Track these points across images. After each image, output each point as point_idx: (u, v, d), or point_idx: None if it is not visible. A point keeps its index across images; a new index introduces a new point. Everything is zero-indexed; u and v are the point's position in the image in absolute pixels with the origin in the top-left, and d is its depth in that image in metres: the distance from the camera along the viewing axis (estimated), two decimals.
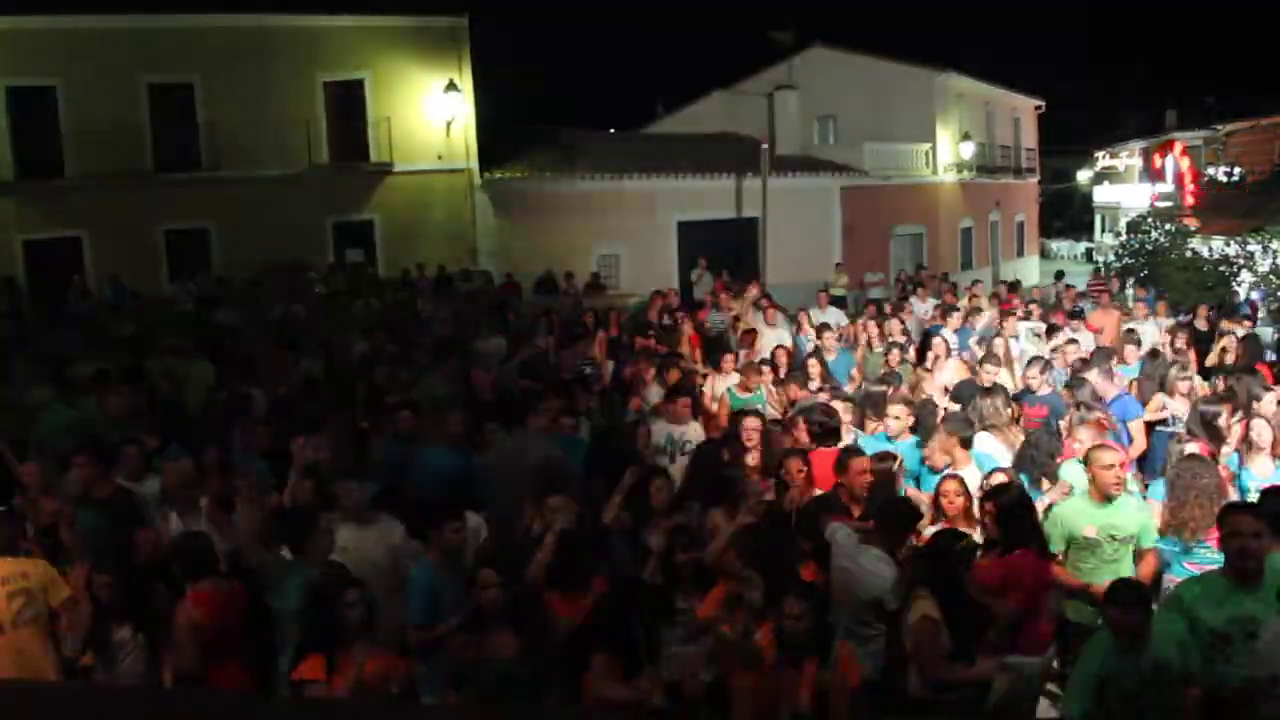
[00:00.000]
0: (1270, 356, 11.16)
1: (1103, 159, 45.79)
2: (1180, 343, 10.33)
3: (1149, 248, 20.80)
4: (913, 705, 4.67)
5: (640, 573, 5.43)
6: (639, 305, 14.95)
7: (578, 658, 4.55)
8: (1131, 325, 11.26)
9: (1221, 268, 18.60)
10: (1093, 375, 8.24)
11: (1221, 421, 6.95)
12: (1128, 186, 40.52)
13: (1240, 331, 10.98)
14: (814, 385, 8.97)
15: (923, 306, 13.93)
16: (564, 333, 12.00)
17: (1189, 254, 19.61)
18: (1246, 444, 6.53)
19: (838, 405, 7.49)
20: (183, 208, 18.54)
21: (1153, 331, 11.26)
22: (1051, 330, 11.03)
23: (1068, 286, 15.55)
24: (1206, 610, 4.46)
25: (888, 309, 13.01)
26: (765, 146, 22.29)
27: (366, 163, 19.93)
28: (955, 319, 11.77)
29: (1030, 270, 32.90)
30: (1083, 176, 49.30)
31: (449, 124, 20.30)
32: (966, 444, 6.61)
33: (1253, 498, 5.77)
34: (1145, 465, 7.91)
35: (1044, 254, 41.24)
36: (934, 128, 26.92)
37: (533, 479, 6.25)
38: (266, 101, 18.86)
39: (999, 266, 30.29)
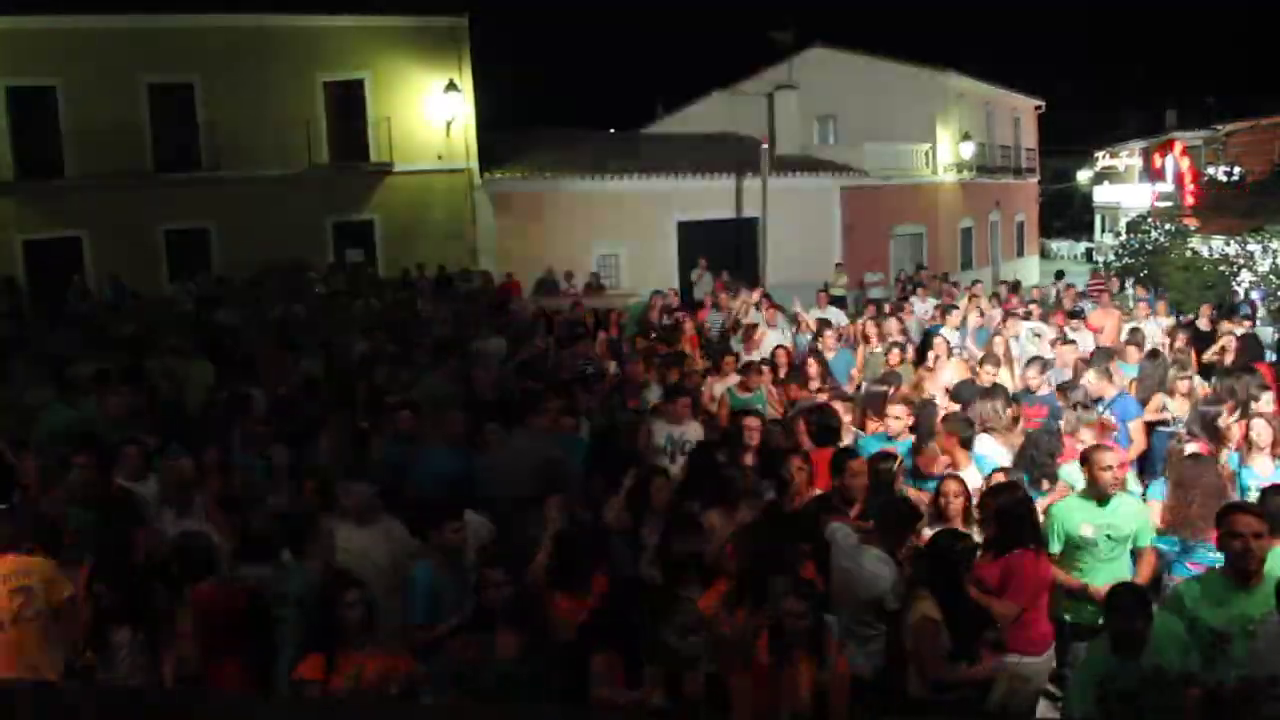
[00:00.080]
0: (1270, 356, 11.16)
1: (1103, 159, 45.79)
2: (1180, 343, 10.33)
3: (1149, 248, 20.81)
4: (913, 705, 4.67)
5: (639, 568, 5.44)
6: (639, 305, 14.95)
7: (578, 658, 4.54)
8: (1136, 325, 11.24)
9: (1221, 268, 18.60)
10: (1091, 375, 8.25)
11: (1221, 421, 6.96)
12: (1128, 186, 40.52)
13: (1239, 331, 10.98)
14: (814, 385, 8.98)
15: (923, 306, 13.95)
16: (564, 333, 12.01)
17: (1189, 254, 19.61)
18: (1247, 443, 6.53)
19: (838, 405, 7.49)
20: (183, 208, 18.53)
21: (1153, 331, 11.26)
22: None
23: (1068, 286, 15.56)
24: (1206, 610, 4.47)
25: (887, 309, 13.02)
26: (765, 146, 22.29)
27: (366, 163, 19.93)
28: (955, 318, 11.78)
29: (1030, 270, 32.90)
30: (1083, 176, 49.30)
31: (449, 124, 20.29)
32: (966, 444, 6.61)
33: (1252, 497, 5.77)
34: (1145, 466, 7.92)
35: (1044, 254, 41.24)
36: (934, 128, 26.93)
37: (533, 479, 6.25)
38: (266, 101, 18.85)
39: (999, 266, 30.28)
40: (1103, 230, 42.55)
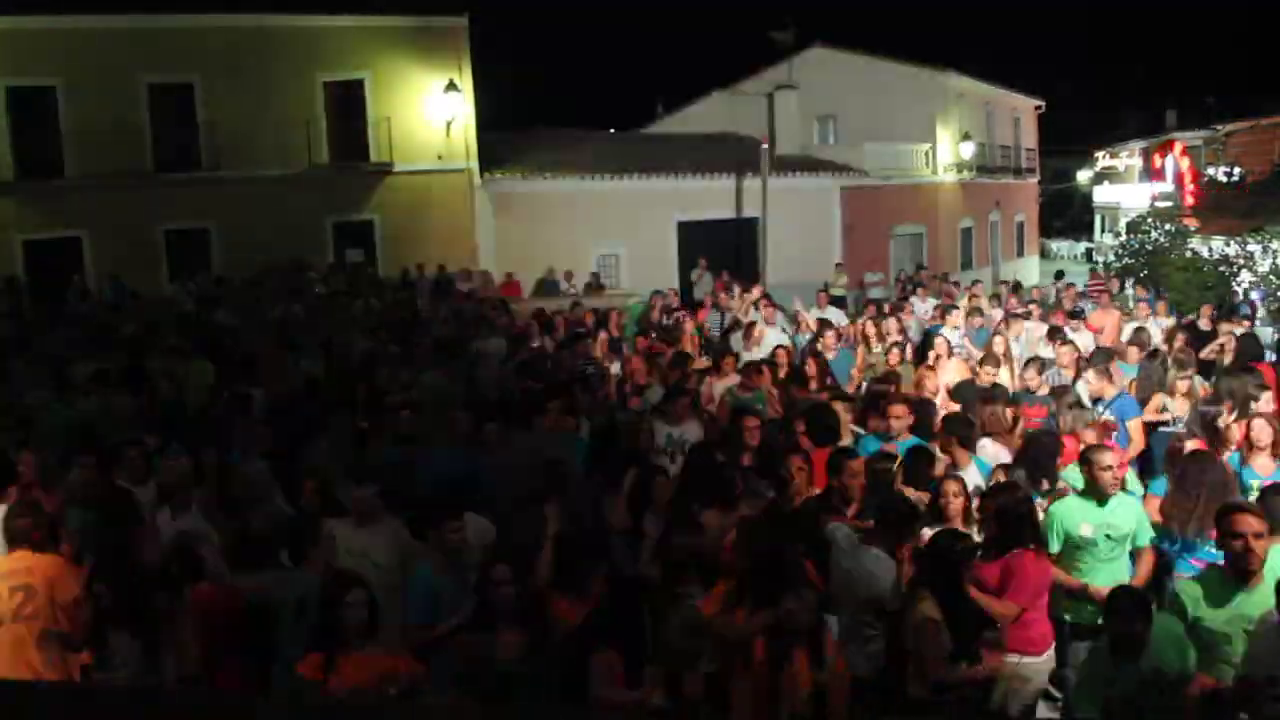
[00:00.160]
0: (1270, 356, 11.16)
1: (1103, 159, 45.77)
2: (1180, 343, 10.32)
3: (1149, 248, 20.80)
4: (913, 705, 4.67)
5: (639, 566, 5.44)
6: (639, 305, 14.95)
7: (578, 658, 4.54)
8: (1141, 325, 11.22)
9: (1221, 268, 18.59)
10: (1091, 375, 8.25)
11: (1221, 421, 6.95)
12: (1128, 186, 40.50)
13: (1238, 331, 10.98)
14: (814, 385, 8.98)
15: (923, 306, 13.95)
16: (565, 333, 12.01)
17: (1189, 254, 19.61)
18: (1248, 443, 6.53)
19: (838, 405, 7.49)
20: (183, 208, 18.53)
21: (1153, 331, 11.26)
22: (1053, 333, 11.00)
23: (1068, 285, 15.55)
24: (1206, 610, 4.47)
25: (887, 309, 13.03)
26: (765, 146, 22.28)
27: (366, 163, 19.92)
28: (955, 318, 11.79)
29: (1030, 270, 32.89)
30: (1083, 176, 49.29)
31: (449, 124, 20.28)
32: (967, 444, 6.61)
33: (1254, 497, 5.77)
34: (1145, 465, 7.91)
35: (1044, 254, 41.25)
36: (934, 128, 26.92)
37: (535, 479, 6.25)
38: (266, 101, 18.85)
39: (999, 266, 30.28)
40: (1103, 230, 42.54)
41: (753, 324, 11.63)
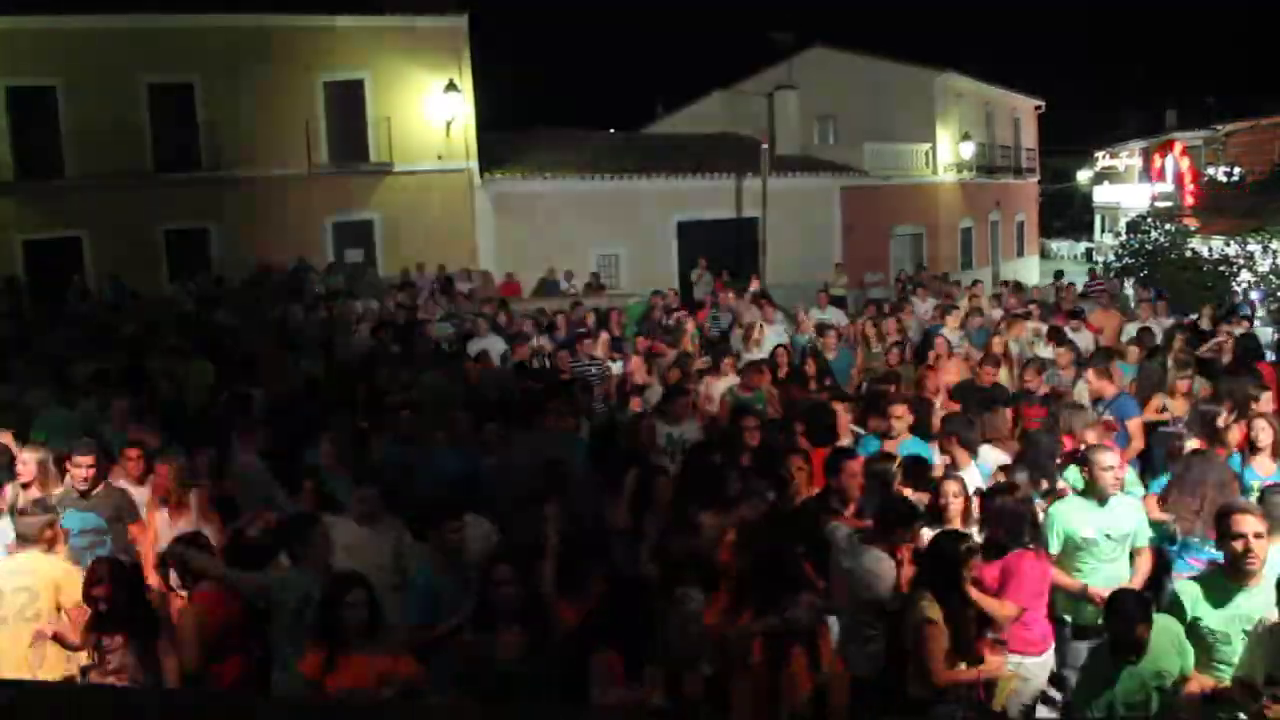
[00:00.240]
0: (1270, 356, 11.15)
1: (1103, 159, 45.76)
2: (1180, 342, 10.31)
3: (1149, 248, 20.81)
4: (913, 705, 4.67)
5: (639, 566, 5.43)
6: (639, 305, 14.95)
7: (578, 657, 4.54)
8: (1145, 325, 11.20)
9: (1221, 268, 18.61)
10: (1091, 375, 8.24)
11: (1220, 421, 6.95)
12: (1128, 186, 40.48)
13: (1238, 331, 10.97)
14: (813, 385, 8.98)
15: (923, 306, 13.95)
16: (566, 332, 12.01)
17: (1189, 254, 19.62)
18: (1249, 444, 6.52)
19: (837, 405, 7.49)
20: (183, 208, 18.52)
21: (1154, 331, 11.24)
22: (1053, 334, 10.99)
23: (1068, 284, 15.55)
24: (1206, 610, 4.47)
25: (886, 309, 13.03)
26: (765, 146, 22.29)
27: (366, 163, 19.92)
28: (955, 318, 11.79)
29: (1030, 270, 32.89)
30: (1083, 176, 49.29)
31: (449, 124, 20.28)
32: (967, 444, 6.60)
33: (1253, 497, 5.77)
34: (1146, 466, 7.91)
35: (1044, 254, 41.24)
36: (934, 128, 26.92)
37: (535, 479, 6.25)
38: (266, 101, 18.84)
39: (999, 266, 30.28)
40: (1103, 230, 42.54)
41: (753, 325, 11.63)
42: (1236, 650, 4.37)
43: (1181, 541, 5.72)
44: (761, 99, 26.68)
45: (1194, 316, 12.90)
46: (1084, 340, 10.80)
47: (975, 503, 5.65)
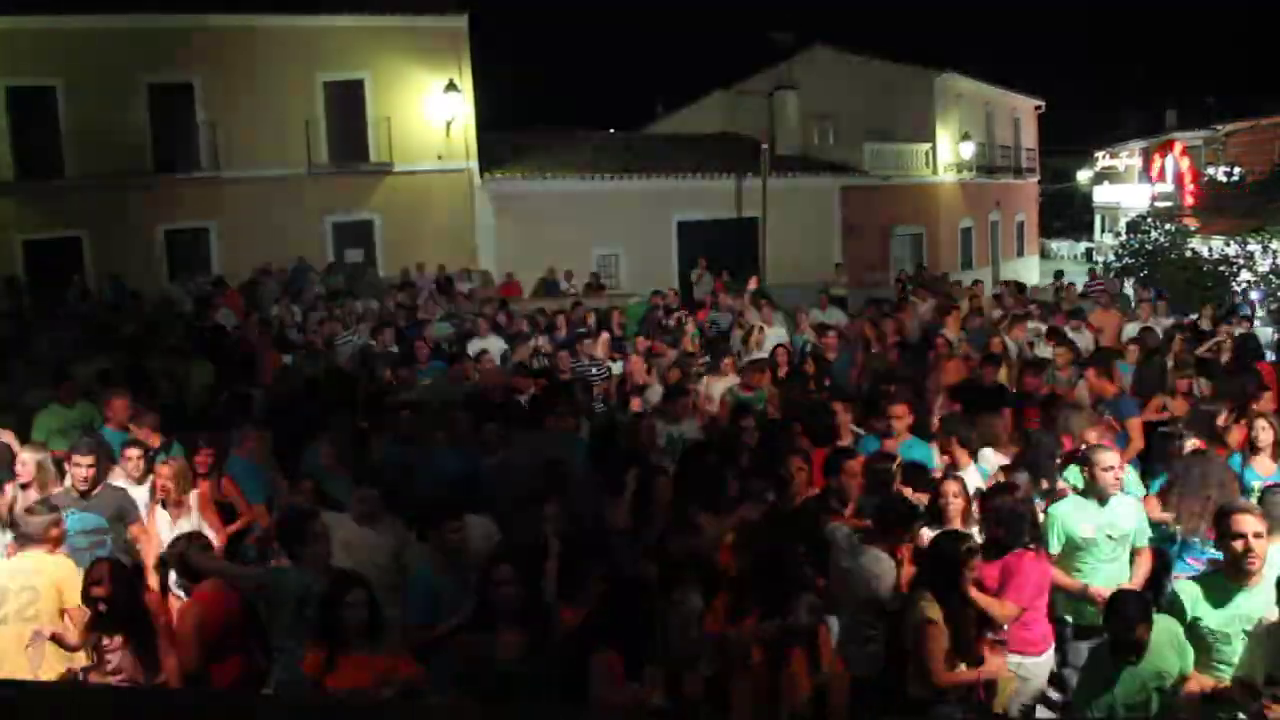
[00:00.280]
0: (1270, 356, 11.16)
1: (1103, 159, 45.76)
2: (1180, 342, 10.31)
3: (1149, 248, 20.82)
4: (913, 705, 4.67)
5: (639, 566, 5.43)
6: (639, 305, 14.95)
7: (578, 657, 4.54)
8: (1147, 325, 11.20)
9: (1221, 268, 18.61)
10: (1090, 375, 8.24)
11: (1220, 421, 6.95)
12: (1128, 186, 40.47)
13: (1237, 331, 10.97)
14: (812, 385, 8.98)
15: (923, 306, 13.95)
16: (566, 332, 12.01)
17: (1189, 254, 19.62)
18: (1249, 444, 6.52)
19: (838, 405, 7.49)
20: (183, 208, 18.54)
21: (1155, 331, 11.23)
22: (1053, 334, 10.99)
23: (1068, 284, 15.54)
24: (1206, 610, 4.47)
25: (887, 309, 13.03)
26: (765, 146, 22.29)
27: (366, 163, 19.92)
28: (955, 318, 11.79)
29: (1030, 270, 32.88)
30: (1083, 176, 49.28)
31: (449, 124, 20.28)
32: (966, 444, 6.60)
33: (1253, 498, 5.77)
34: (1145, 466, 7.90)
35: (1044, 254, 41.22)
36: (934, 128, 26.91)
37: (535, 479, 6.25)
38: (266, 101, 18.84)
39: (999, 266, 30.27)
40: (1103, 230, 42.53)
41: (753, 327, 11.63)
42: (1236, 650, 4.37)
43: (1181, 541, 5.72)
44: (761, 99, 26.67)
45: (1194, 316, 12.90)
46: (1084, 340, 10.80)
47: (975, 503, 5.66)
